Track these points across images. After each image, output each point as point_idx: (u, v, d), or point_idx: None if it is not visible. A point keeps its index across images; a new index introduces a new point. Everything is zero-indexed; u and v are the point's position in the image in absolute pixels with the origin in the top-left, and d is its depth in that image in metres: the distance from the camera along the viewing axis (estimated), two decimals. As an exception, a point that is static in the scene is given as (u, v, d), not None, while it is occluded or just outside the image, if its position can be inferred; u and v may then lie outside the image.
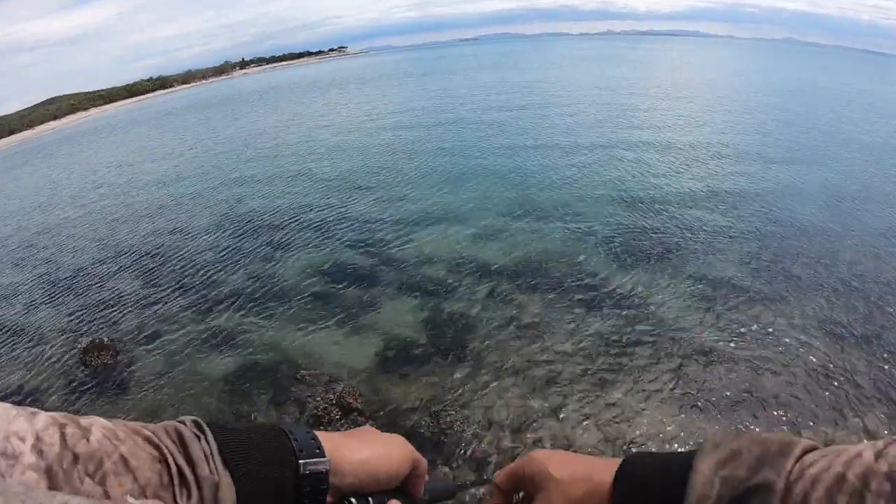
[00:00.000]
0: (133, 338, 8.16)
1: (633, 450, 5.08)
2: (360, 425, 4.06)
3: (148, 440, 0.58)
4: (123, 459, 0.54)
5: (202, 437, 0.62)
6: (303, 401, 6.00)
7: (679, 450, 5.04)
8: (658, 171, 14.33)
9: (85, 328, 8.78)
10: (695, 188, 12.75)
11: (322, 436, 0.75)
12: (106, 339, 7.97)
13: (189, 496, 0.56)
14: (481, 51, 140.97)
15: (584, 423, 5.48)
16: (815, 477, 0.49)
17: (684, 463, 0.60)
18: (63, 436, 0.51)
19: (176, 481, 0.56)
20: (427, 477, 0.92)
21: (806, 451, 0.54)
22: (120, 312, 9.08)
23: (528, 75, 49.57)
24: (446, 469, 5.01)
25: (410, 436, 5.39)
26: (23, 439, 0.49)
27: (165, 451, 0.57)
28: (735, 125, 21.09)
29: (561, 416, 5.58)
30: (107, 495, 0.51)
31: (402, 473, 0.84)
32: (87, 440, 0.52)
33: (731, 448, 0.58)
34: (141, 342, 7.99)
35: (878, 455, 0.48)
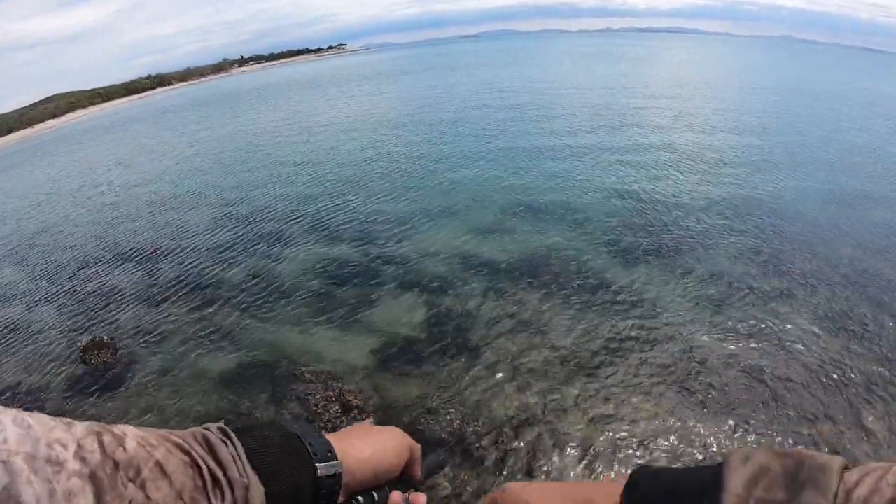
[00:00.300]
0: (133, 335, 8.17)
1: (633, 448, 5.11)
2: (359, 422, 4.07)
3: (178, 446, 0.59)
4: (159, 465, 0.55)
5: (228, 442, 0.64)
6: (303, 398, 6.00)
7: (680, 448, 5.07)
8: (657, 168, 14.32)
9: (85, 326, 8.79)
10: (694, 186, 12.75)
11: (331, 437, 0.80)
12: (106, 337, 7.98)
13: (223, 498, 0.59)
14: (482, 48, 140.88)
15: (584, 419, 5.49)
16: (865, 499, 0.44)
17: (709, 480, 0.55)
18: (101, 444, 0.52)
19: (209, 484, 0.59)
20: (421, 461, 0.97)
21: (844, 469, 0.48)
22: (120, 310, 9.10)
23: (529, 72, 49.50)
24: (446, 469, 5.02)
25: (409, 433, 5.42)
26: (65, 446, 0.49)
27: (196, 456, 0.59)
28: (733, 124, 21.06)
29: (560, 412, 5.60)
30: (148, 499, 0.53)
31: (403, 463, 0.89)
32: (124, 448, 0.54)
33: (761, 463, 0.52)
34: (141, 340, 8.01)
35: None
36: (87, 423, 0.54)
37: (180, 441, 0.60)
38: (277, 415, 5.91)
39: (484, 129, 21.30)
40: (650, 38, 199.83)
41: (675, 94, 30.32)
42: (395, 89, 45.51)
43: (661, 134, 19.11)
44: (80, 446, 0.50)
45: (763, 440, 5.15)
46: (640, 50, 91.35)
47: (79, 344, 7.91)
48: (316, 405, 5.76)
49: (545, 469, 4.95)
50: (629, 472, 0.69)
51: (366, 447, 0.84)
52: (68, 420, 0.53)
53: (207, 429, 0.66)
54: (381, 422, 5.26)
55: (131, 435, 0.56)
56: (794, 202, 11.74)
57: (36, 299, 10.32)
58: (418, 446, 0.95)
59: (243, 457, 0.63)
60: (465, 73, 53.29)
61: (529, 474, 4.89)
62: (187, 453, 0.59)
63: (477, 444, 5.24)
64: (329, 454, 0.75)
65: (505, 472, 4.93)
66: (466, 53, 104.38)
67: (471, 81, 43.35)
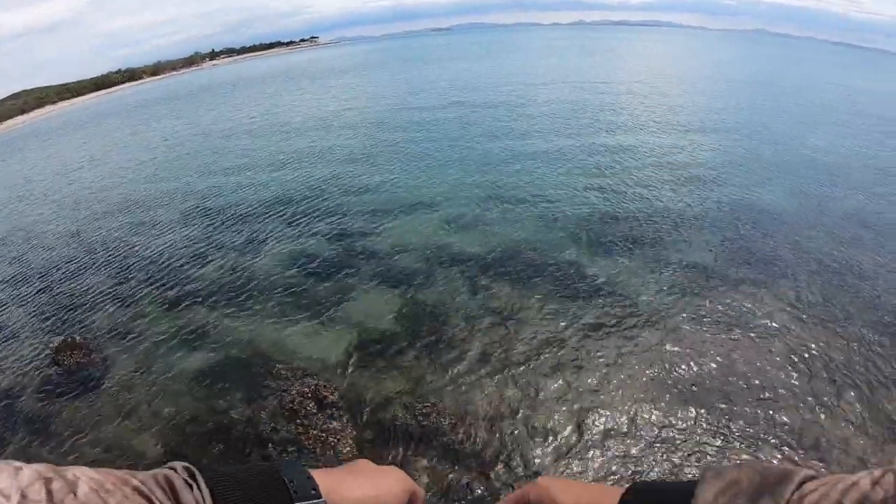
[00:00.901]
0: (106, 335, 8.08)
1: (611, 438, 5.23)
2: (335, 419, 4.14)
3: (137, 490, 0.57)
4: None
5: (194, 485, 0.62)
6: (278, 395, 6.03)
7: (657, 437, 5.23)
8: (629, 162, 14.56)
9: (57, 327, 8.64)
10: (666, 178, 13.02)
11: (318, 474, 0.76)
12: (78, 338, 7.88)
13: None
14: (455, 41, 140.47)
15: (561, 410, 5.60)
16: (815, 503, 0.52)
17: (687, 491, 0.64)
18: (49, 492, 0.49)
19: None
20: None
21: (805, 481, 0.56)
22: (92, 310, 8.97)
23: (502, 65, 49.67)
24: (424, 462, 5.07)
25: (386, 427, 5.51)
26: (7, 497, 0.47)
27: (156, 502, 0.57)
28: (703, 118, 21.42)
29: (538, 404, 5.70)
30: None
31: None
32: (75, 494, 0.51)
33: (730, 477, 0.61)
34: (114, 340, 7.92)
35: (875, 482, 0.50)
36: (37, 467, 0.51)
37: (139, 485, 0.58)
38: (253, 414, 5.94)
39: (457, 124, 21.37)
40: (624, 32, 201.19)
41: (647, 87, 30.69)
42: (367, 83, 45.24)
43: (633, 128, 19.39)
44: (24, 496, 0.48)
45: (730, 428, 5.34)
46: (613, 43, 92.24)
47: (51, 345, 7.81)
48: (291, 402, 5.78)
49: (523, 461, 5.02)
50: (629, 483, 0.77)
51: (360, 485, 0.81)
52: (18, 464, 0.51)
53: (173, 468, 0.63)
54: (358, 419, 5.37)
55: (85, 479, 0.53)
56: (764, 190, 12.09)
57: (6, 300, 10.09)
58: (421, 490, 0.91)
59: (208, 501, 0.61)
60: (438, 67, 53.07)
61: (508, 466, 4.96)
62: (147, 498, 0.56)
63: (455, 438, 5.29)
64: (313, 491, 0.72)
65: (483, 465, 4.99)
66: (439, 47, 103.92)
67: (445, 75, 43.23)
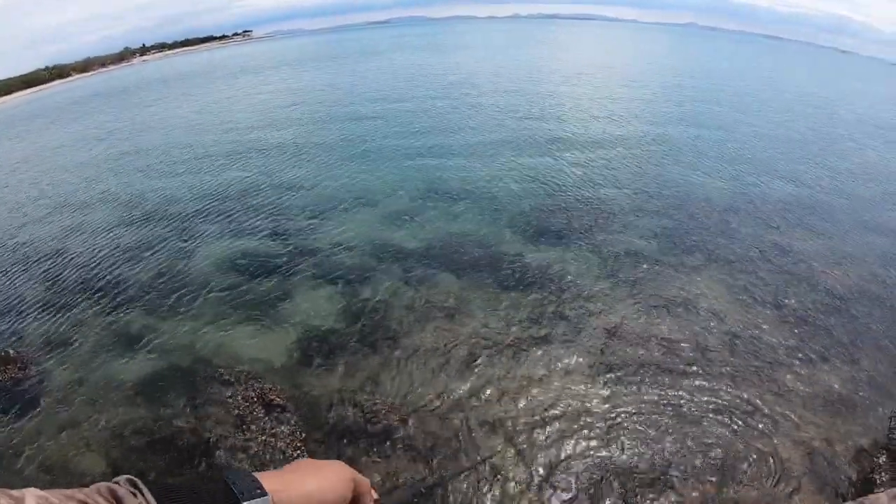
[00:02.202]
0: (41, 347, 7.75)
1: (557, 426, 5.41)
2: (283, 422, 4.23)
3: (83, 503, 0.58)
4: None
5: (138, 493, 0.63)
6: (223, 401, 5.97)
7: (602, 423, 5.40)
8: (568, 151, 14.98)
9: (-13, 341, 8.29)
10: (604, 169, 13.42)
11: (263, 476, 0.79)
12: (12, 352, 7.55)
13: None
14: (393, 33, 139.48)
15: (505, 399, 5.75)
16: None
17: None
18: None
19: None
20: (375, 494, 0.98)
21: None
22: (25, 320, 8.55)
23: (441, 58, 49.70)
24: (376, 458, 5.13)
25: (335, 426, 5.59)
26: None
27: None
28: (639, 107, 22.21)
29: (482, 394, 5.84)
30: None
31: (347, 497, 0.89)
32: None
33: None
34: (49, 351, 7.61)
35: (892, 497, 0.52)
36: None
37: (85, 498, 0.59)
38: (198, 423, 5.91)
39: (394, 117, 21.31)
40: (558, 25, 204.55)
41: (582, 78, 31.51)
42: (301, 77, 44.44)
43: (571, 118, 19.95)
44: None
45: (677, 410, 5.63)
46: (547, 35, 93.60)
47: (-18, 360, 7.53)
48: (237, 407, 5.75)
49: (474, 452, 5.13)
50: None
51: (305, 481, 0.83)
52: None
53: (116, 482, 0.65)
54: (306, 419, 5.42)
55: (31, 497, 0.54)
56: (697, 179, 12.70)
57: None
58: (366, 480, 0.95)
59: None
60: (378, 60, 52.71)
61: (456, 460, 5.05)
62: None
63: (402, 433, 5.38)
64: (257, 491, 0.74)
65: (434, 459, 5.09)
66: (377, 40, 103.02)
67: (386, 67, 43.10)
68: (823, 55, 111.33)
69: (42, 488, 0.59)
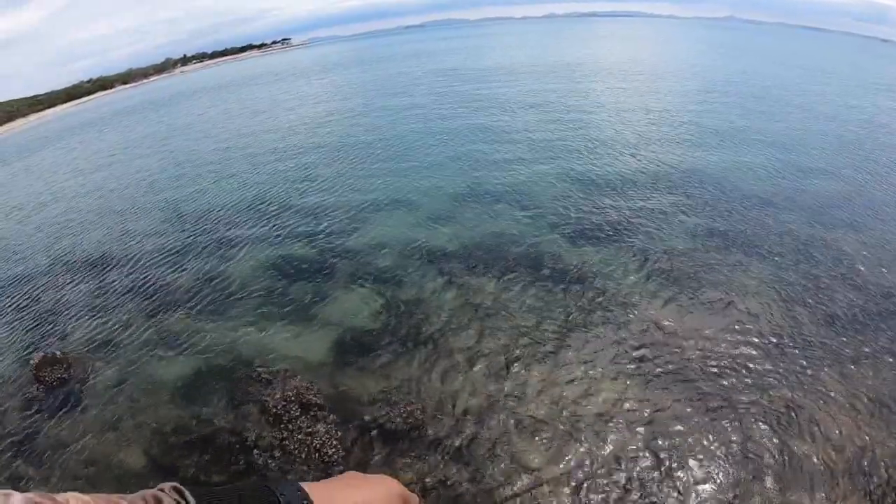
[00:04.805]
0: (86, 349, 7.98)
1: (597, 427, 5.28)
2: (319, 421, 4.18)
3: None
4: None
5: (183, 501, 0.62)
6: (261, 400, 6.00)
7: (640, 424, 5.24)
8: (605, 151, 14.63)
9: (36, 343, 8.51)
10: (642, 167, 13.11)
11: (309, 486, 0.77)
12: (58, 353, 7.78)
13: None
14: (428, 37, 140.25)
15: (543, 400, 5.63)
16: None
17: None
18: None
19: None
20: None
21: None
22: (71, 323, 8.85)
23: (475, 60, 49.62)
24: (410, 460, 5.08)
25: (370, 426, 5.56)
26: None
27: None
28: (677, 106, 21.66)
29: (520, 395, 5.73)
30: None
31: None
32: None
33: None
34: (94, 353, 7.83)
35: None
36: (27, 494, 0.52)
37: None
38: (237, 422, 5.96)
39: (431, 119, 21.32)
40: (596, 23, 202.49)
41: (620, 76, 31.01)
42: (343, 81, 45.06)
43: (607, 116, 19.58)
44: None
45: (715, 410, 5.43)
46: (594, 33, 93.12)
47: (31, 362, 7.70)
48: (275, 406, 5.77)
49: (511, 454, 5.03)
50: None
51: (352, 494, 0.81)
52: (6, 491, 0.51)
53: (161, 489, 0.64)
54: (342, 419, 5.39)
55: (74, 501, 0.54)
56: (738, 177, 12.24)
57: (-17, 318, 9.97)
58: (415, 497, 0.91)
59: None
60: (416, 63, 52.98)
61: (495, 461, 4.95)
62: None
63: (439, 434, 5.32)
64: (304, 502, 0.73)
65: (468, 460, 5.01)
66: (412, 43, 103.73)
67: (421, 71, 43.29)
68: (867, 44, 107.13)
69: (84, 485, 0.55)
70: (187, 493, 0.63)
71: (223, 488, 0.68)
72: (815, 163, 13.29)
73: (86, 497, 0.55)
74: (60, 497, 0.53)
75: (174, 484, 0.65)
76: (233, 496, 0.67)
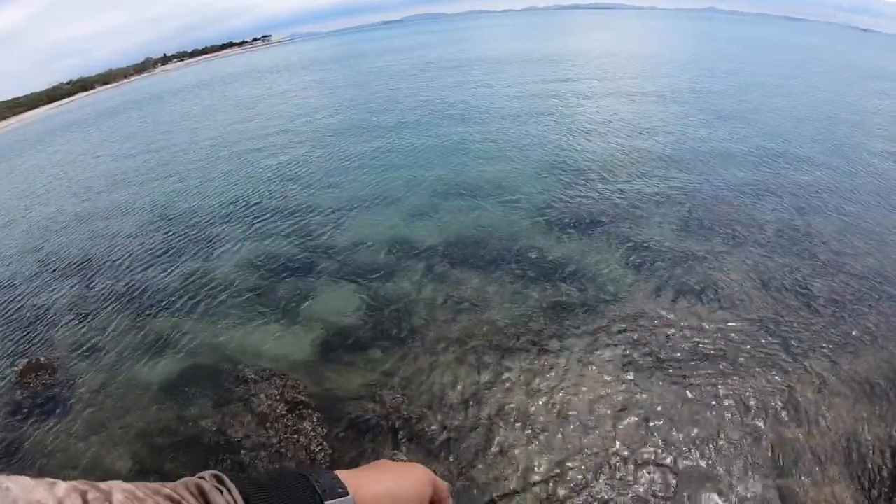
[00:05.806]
0: (70, 353, 7.92)
1: (580, 418, 5.34)
2: (305, 419, 4.22)
3: (169, 498, 0.59)
4: None
5: (224, 489, 0.64)
6: (246, 399, 6.01)
7: (626, 414, 5.31)
8: (586, 142, 14.74)
9: (20, 347, 8.44)
10: (622, 158, 13.20)
11: (342, 474, 0.79)
12: (43, 359, 7.75)
13: None
14: (407, 32, 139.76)
15: (529, 393, 5.67)
16: None
17: None
18: (85, 501, 0.51)
19: None
20: (451, 500, 0.96)
21: None
22: (54, 327, 8.77)
23: (455, 52, 49.65)
24: (397, 452, 5.10)
25: (357, 422, 5.59)
26: None
27: None
28: (658, 94, 21.84)
29: (505, 388, 5.76)
30: None
31: (425, 500, 0.88)
32: (110, 503, 0.53)
33: None
34: (79, 357, 7.78)
35: None
36: (71, 483, 0.53)
37: (171, 493, 0.59)
38: (223, 421, 5.97)
39: (410, 113, 21.37)
40: (578, 15, 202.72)
41: (599, 67, 31.15)
42: (322, 77, 44.84)
43: (588, 106, 19.70)
44: None
45: (704, 401, 5.49)
46: (579, 26, 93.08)
47: (15, 368, 7.66)
48: (260, 405, 5.79)
49: (498, 447, 5.06)
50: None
51: (383, 480, 0.83)
52: (51, 480, 0.53)
53: (202, 477, 0.66)
54: (330, 415, 5.42)
55: (118, 490, 0.55)
56: (720, 166, 12.37)
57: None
58: (445, 484, 0.93)
59: (240, 502, 0.63)
60: (394, 57, 52.83)
61: (480, 454, 5.00)
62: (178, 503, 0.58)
63: (426, 429, 5.35)
64: (339, 489, 0.74)
65: (456, 454, 5.04)
66: (391, 38, 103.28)
67: (401, 65, 43.14)
68: (847, 34, 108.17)
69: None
70: (227, 480, 0.65)
71: (259, 476, 0.73)
72: (796, 150, 13.49)
73: (129, 486, 0.57)
74: (104, 485, 0.55)
75: (214, 472, 0.68)
76: (271, 484, 0.70)
